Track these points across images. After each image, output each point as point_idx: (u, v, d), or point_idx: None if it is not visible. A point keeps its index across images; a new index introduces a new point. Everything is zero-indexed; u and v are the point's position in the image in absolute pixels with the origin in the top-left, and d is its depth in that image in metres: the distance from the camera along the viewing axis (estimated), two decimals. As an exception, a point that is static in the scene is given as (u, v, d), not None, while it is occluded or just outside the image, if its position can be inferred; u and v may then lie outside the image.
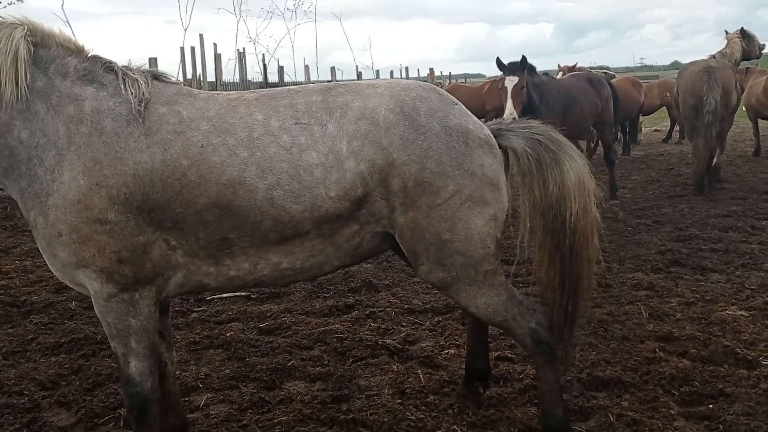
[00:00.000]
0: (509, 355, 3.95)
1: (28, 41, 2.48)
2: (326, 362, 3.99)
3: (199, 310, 5.05)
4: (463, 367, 3.54)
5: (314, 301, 5.16)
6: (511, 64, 7.53)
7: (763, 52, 10.52)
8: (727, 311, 4.44)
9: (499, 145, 2.79)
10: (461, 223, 2.62)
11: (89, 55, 2.60)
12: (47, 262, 2.62)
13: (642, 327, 4.24)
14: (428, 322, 4.61)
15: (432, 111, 2.65)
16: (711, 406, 3.23)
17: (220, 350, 4.27)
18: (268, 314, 4.86)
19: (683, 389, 3.38)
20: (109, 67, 2.59)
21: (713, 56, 9.50)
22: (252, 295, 5.31)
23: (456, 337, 4.27)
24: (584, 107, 8.17)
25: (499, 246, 2.77)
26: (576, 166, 2.79)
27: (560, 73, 12.87)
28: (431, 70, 21.77)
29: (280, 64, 18.37)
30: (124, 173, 2.43)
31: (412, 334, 4.36)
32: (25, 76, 2.44)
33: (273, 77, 17.58)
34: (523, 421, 3.17)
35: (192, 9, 19.00)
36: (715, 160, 9.24)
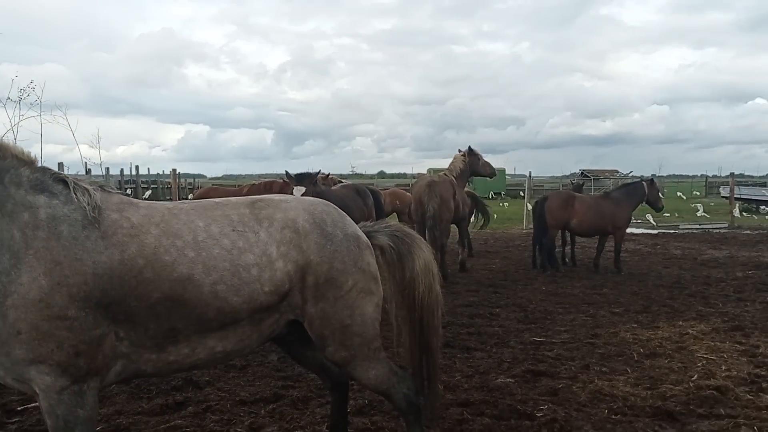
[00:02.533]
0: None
1: None
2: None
3: (16, 421, 4.76)
4: None
5: (140, 401, 5.20)
6: (298, 175, 8.48)
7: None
8: (498, 379, 5.66)
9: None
10: (358, 310, 3.30)
11: (38, 166, 2.81)
12: None
13: (443, 397, 5.22)
14: (263, 410, 5.01)
15: (335, 221, 3.35)
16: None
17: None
18: (100, 418, 4.80)
19: (491, 440, 4.36)
20: (57, 177, 2.82)
21: (443, 173, 11.75)
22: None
23: (296, 420, 4.76)
24: (354, 213, 9.40)
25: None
26: (423, 254, 3.64)
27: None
28: (174, 170, 21.84)
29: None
30: (84, 272, 2.65)
31: (255, 422, 4.74)
32: None
33: None
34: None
35: None
36: (460, 256, 11.19)
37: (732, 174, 25.93)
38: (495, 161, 13.60)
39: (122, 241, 2.78)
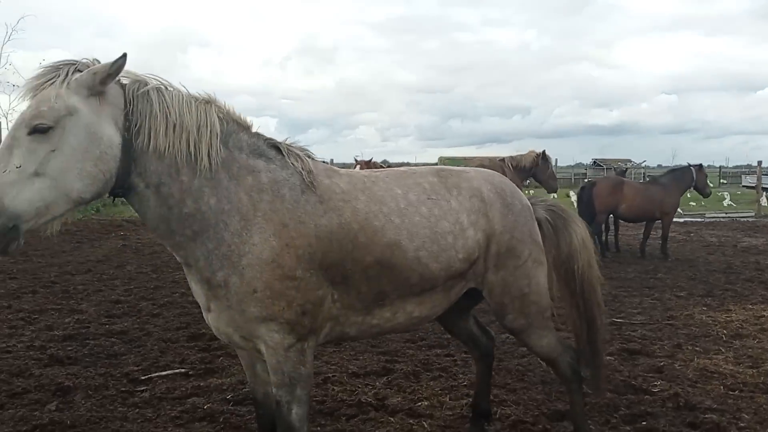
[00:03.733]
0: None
1: (219, 118, 2.73)
2: (321, 422, 4.30)
3: (143, 390, 4.89)
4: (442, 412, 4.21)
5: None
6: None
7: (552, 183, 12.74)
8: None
9: None
10: (534, 279, 3.41)
11: (253, 131, 2.90)
12: (222, 320, 2.78)
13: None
14: (377, 382, 5.12)
15: (513, 192, 3.46)
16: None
17: (205, 422, 4.30)
18: (211, 391, 4.92)
19: None
20: (270, 143, 2.91)
21: (503, 158, 11.78)
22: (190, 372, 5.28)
23: (417, 392, 4.87)
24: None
25: None
26: (580, 230, 3.72)
27: (357, 167, 14.30)
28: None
29: None
30: (307, 235, 2.75)
31: (378, 393, 4.85)
32: (218, 149, 2.68)
33: None
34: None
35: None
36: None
37: (759, 163, 25.93)
38: (501, 151, 13.67)
39: (338, 206, 2.87)
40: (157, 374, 5.20)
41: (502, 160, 11.97)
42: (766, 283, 9.54)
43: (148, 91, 2.60)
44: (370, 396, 4.77)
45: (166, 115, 2.59)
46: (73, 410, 4.45)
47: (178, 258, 2.78)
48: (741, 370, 5.36)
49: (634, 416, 4.39)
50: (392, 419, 4.35)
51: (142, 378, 5.14)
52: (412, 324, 3.27)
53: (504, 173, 11.37)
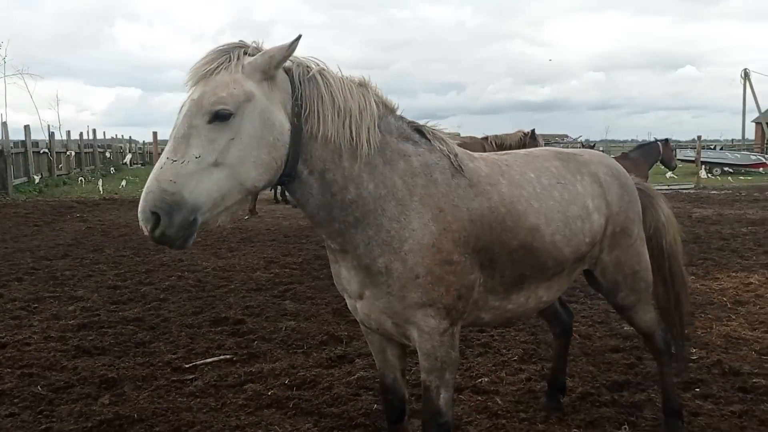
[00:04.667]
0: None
1: (375, 101, 2.65)
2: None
3: (191, 378, 4.74)
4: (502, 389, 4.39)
5: (297, 356, 5.24)
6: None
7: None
8: (624, 327, 5.98)
9: None
10: (643, 256, 3.52)
11: (398, 114, 2.82)
12: (377, 307, 2.72)
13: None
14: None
15: (624, 173, 3.53)
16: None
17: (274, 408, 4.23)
18: (279, 372, 4.84)
19: None
20: (413, 125, 2.84)
21: (485, 137, 11.88)
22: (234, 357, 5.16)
23: (475, 369, 4.92)
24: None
25: None
26: (665, 208, 3.82)
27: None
28: (155, 133, 21.27)
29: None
30: (462, 219, 2.71)
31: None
32: (375, 133, 2.61)
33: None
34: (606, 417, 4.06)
35: None
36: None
37: (699, 138, 27.22)
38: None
39: (486, 190, 2.84)
40: (202, 362, 5.05)
41: (485, 138, 11.97)
42: (737, 251, 10.07)
43: (314, 75, 2.49)
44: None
45: (333, 100, 2.50)
46: (129, 403, 4.28)
47: (332, 245, 2.70)
48: (760, 335, 5.66)
49: (686, 384, 4.58)
50: (462, 396, 4.39)
51: (186, 366, 4.98)
52: (537, 309, 3.31)
53: (485, 147, 11.40)
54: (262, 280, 7.98)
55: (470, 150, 11.58)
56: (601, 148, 25.50)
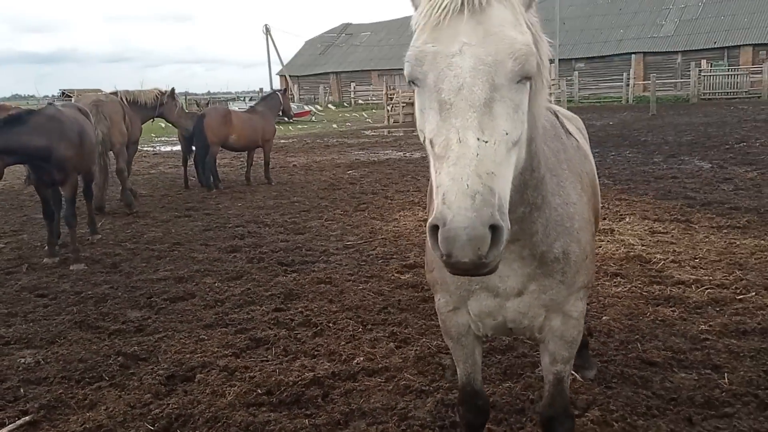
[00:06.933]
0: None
1: None
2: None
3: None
4: None
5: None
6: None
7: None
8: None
9: None
10: None
11: None
12: (537, 303, 2.26)
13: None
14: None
15: None
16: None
17: None
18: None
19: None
20: None
21: (116, 92, 10.46)
22: None
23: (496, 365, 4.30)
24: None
25: None
26: None
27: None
28: None
29: None
30: (589, 184, 2.49)
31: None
32: None
33: None
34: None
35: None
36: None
37: (209, 92, 28.56)
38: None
39: (586, 153, 2.72)
40: None
41: (115, 93, 10.44)
42: (389, 186, 11.10)
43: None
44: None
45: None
46: None
47: None
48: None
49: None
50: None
51: None
52: None
53: (122, 110, 10.02)
54: None
55: (111, 108, 10.21)
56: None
